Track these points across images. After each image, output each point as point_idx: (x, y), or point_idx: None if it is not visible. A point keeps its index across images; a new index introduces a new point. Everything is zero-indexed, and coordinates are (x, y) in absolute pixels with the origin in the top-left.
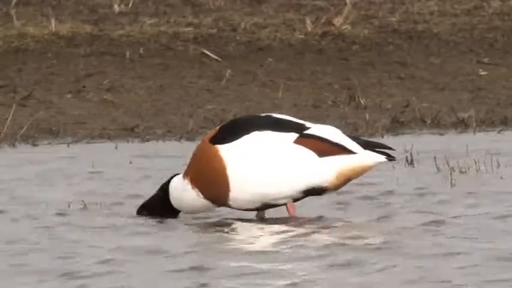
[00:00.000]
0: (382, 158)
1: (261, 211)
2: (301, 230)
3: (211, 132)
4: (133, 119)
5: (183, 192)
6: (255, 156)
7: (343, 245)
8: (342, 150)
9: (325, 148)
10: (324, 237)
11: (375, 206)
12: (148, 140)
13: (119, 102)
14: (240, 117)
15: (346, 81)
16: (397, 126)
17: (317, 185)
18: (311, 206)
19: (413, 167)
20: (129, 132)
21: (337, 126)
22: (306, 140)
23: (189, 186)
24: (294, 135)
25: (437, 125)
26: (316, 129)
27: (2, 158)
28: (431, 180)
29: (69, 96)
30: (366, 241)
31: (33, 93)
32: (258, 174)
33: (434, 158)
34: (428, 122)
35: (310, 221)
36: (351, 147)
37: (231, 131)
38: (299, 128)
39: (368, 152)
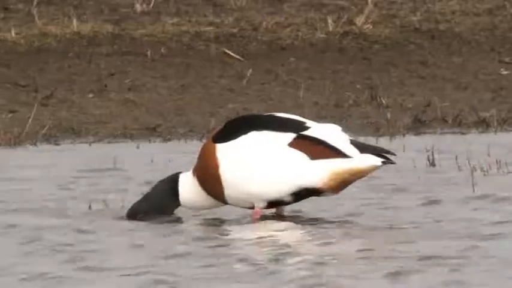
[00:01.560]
0: (378, 162)
1: (280, 208)
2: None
3: (217, 129)
4: (155, 119)
5: (192, 187)
6: (245, 157)
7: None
8: (337, 153)
9: (319, 151)
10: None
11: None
12: (170, 140)
13: (141, 101)
14: (244, 115)
15: (367, 80)
16: (418, 125)
17: (308, 187)
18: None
19: (435, 166)
20: (151, 131)
21: (358, 126)
22: (301, 141)
23: (197, 182)
24: (291, 136)
25: (458, 124)
26: (315, 129)
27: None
28: (453, 179)
29: (90, 95)
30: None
31: (55, 93)
32: (247, 175)
33: (456, 157)
34: (450, 121)
35: (308, 221)
36: (346, 150)
37: (232, 130)
38: (298, 128)
39: (364, 156)
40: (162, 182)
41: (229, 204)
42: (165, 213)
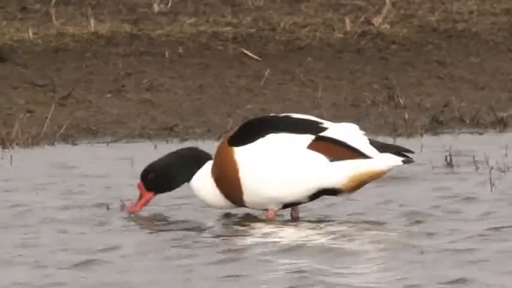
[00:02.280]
0: (398, 162)
1: (295, 209)
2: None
3: (231, 132)
4: (173, 119)
5: (208, 187)
6: (266, 162)
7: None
8: (357, 154)
9: (339, 152)
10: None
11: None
12: (187, 140)
13: (158, 101)
14: (259, 117)
15: (385, 80)
16: (436, 125)
17: (328, 189)
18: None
19: (452, 166)
20: (168, 131)
21: (376, 126)
22: (320, 143)
23: (214, 184)
24: (309, 138)
25: (476, 124)
26: (333, 130)
27: None
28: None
29: (108, 95)
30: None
31: (73, 93)
32: (268, 179)
33: (473, 157)
34: (468, 121)
35: (326, 221)
36: (366, 151)
37: (248, 133)
38: (316, 130)
39: (383, 156)
40: (189, 154)
41: (245, 207)
42: (172, 184)
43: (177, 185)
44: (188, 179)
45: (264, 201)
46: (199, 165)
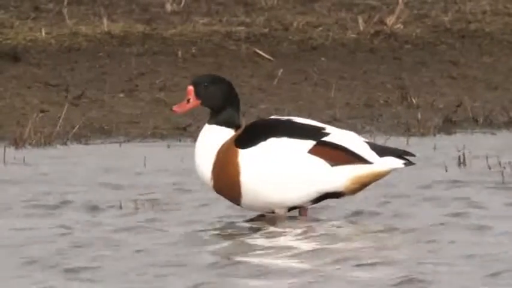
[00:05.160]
0: (399, 164)
1: (303, 209)
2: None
3: (239, 131)
4: (186, 119)
5: (211, 153)
6: (267, 168)
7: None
8: (357, 159)
9: (340, 157)
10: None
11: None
12: None
13: (172, 101)
14: (262, 120)
15: (398, 80)
16: (449, 125)
17: (330, 192)
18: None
19: (465, 166)
20: (181, 131)
21: (389, 126)
22: (321, 148)
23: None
24: (310, 143)
25: (489, 124)
26: (334, 136)
27: None
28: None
29: (121, 95)
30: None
31: (86, 93)
32: (269, 185)
33: (486, 157)
34: (481, 121)
35: (331, 219)
36: (366, 156)
37: (252, 135)
38: (317, 135)
39: (384, 160)
40: (232, 96)
41: (242, 207)
42: (219, 103)
43: (220, 106)
44: (219, 110)
45: (264, 206)
46: (234, 122)
